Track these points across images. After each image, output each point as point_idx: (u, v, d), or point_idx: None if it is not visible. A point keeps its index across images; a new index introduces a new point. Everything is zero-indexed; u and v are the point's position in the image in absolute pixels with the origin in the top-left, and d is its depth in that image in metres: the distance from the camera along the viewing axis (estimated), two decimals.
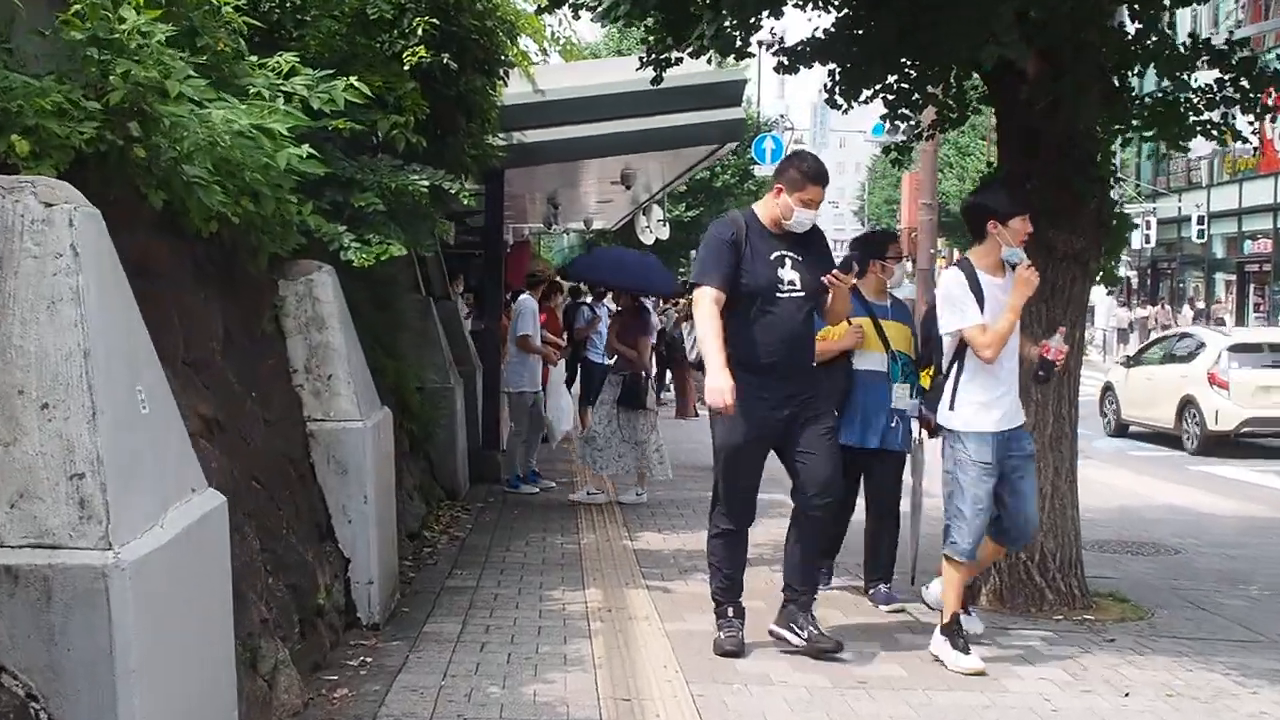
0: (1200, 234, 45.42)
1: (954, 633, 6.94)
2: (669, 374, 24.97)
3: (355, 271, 10.16)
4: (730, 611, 7.09)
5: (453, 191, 8.07)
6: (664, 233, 22.36)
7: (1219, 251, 49.11)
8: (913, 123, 9.55)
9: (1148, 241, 46.92)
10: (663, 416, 21.83)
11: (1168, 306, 48.31)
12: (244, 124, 5.42)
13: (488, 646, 6.87)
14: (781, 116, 43.13)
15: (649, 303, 20.98)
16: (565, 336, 17.66)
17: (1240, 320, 47.16)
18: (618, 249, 17.32)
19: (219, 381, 5.57)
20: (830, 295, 7.00)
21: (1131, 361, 21.93)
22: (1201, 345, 19.80)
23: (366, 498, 6.88)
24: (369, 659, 6.47)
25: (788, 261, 6.93)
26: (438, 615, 7.57)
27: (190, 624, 3.95)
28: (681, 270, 56.41)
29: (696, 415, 21.75)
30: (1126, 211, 9.15)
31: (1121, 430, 21.46)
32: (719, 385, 6.57)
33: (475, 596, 8.12)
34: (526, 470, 13.30)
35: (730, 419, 6.71)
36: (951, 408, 7.00)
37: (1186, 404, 19.14)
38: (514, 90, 12.30)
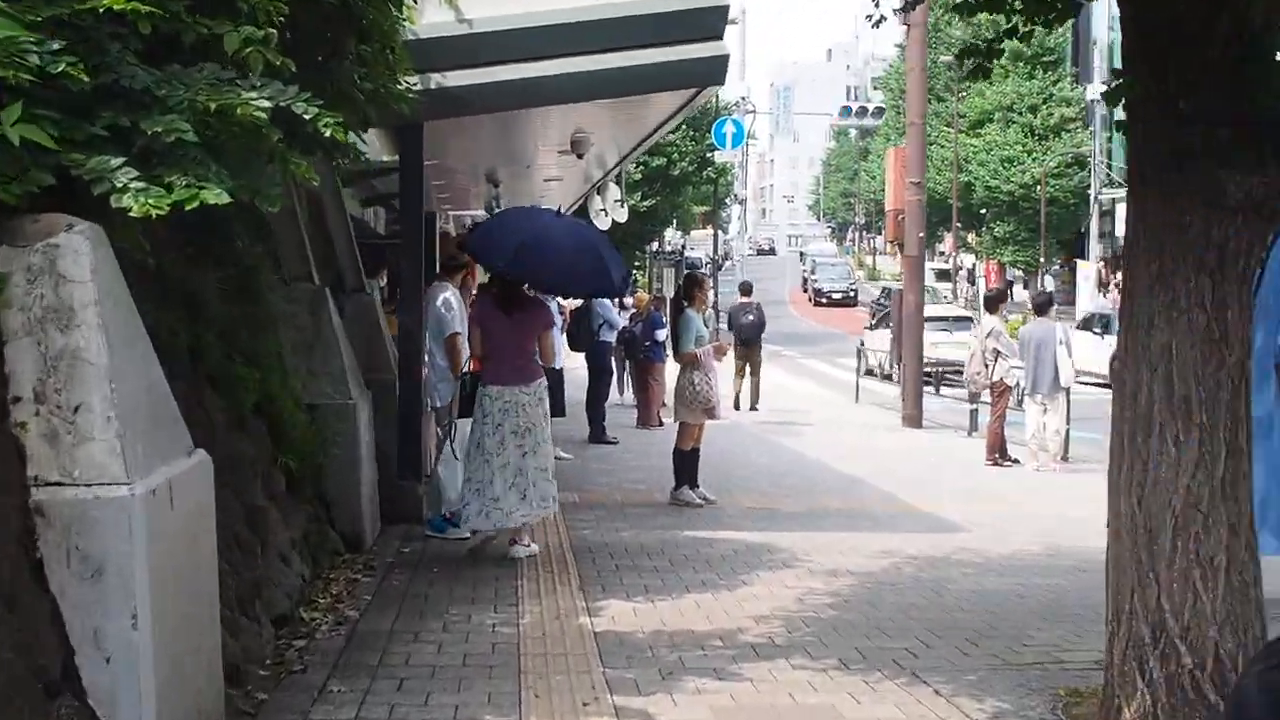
0: None
1: None
2: (628, 375, 22.26)
3: (195, 246, 7.34)
4: None
5: (308, 118, 5.22)
6: (622, 215, 19.53)
7: None
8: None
9: None
10: (623, 425, 19.26)
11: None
12: None
13: None
14: (743, 99, 40.37)
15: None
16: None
17: None
18: (537, 210, 12.46)
19: None
20: None
21: None
22: None
23: (137, 617, 4.02)
24: None
25: None
26: None
27: None
28: (636, 265, 53.69)
29: (661, 424, 19.00)
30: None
31: None
32: None
33: None
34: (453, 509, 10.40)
35: None
36: None
37: None
38: (433, 20, 9.50)
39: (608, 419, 17.69)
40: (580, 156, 13.92)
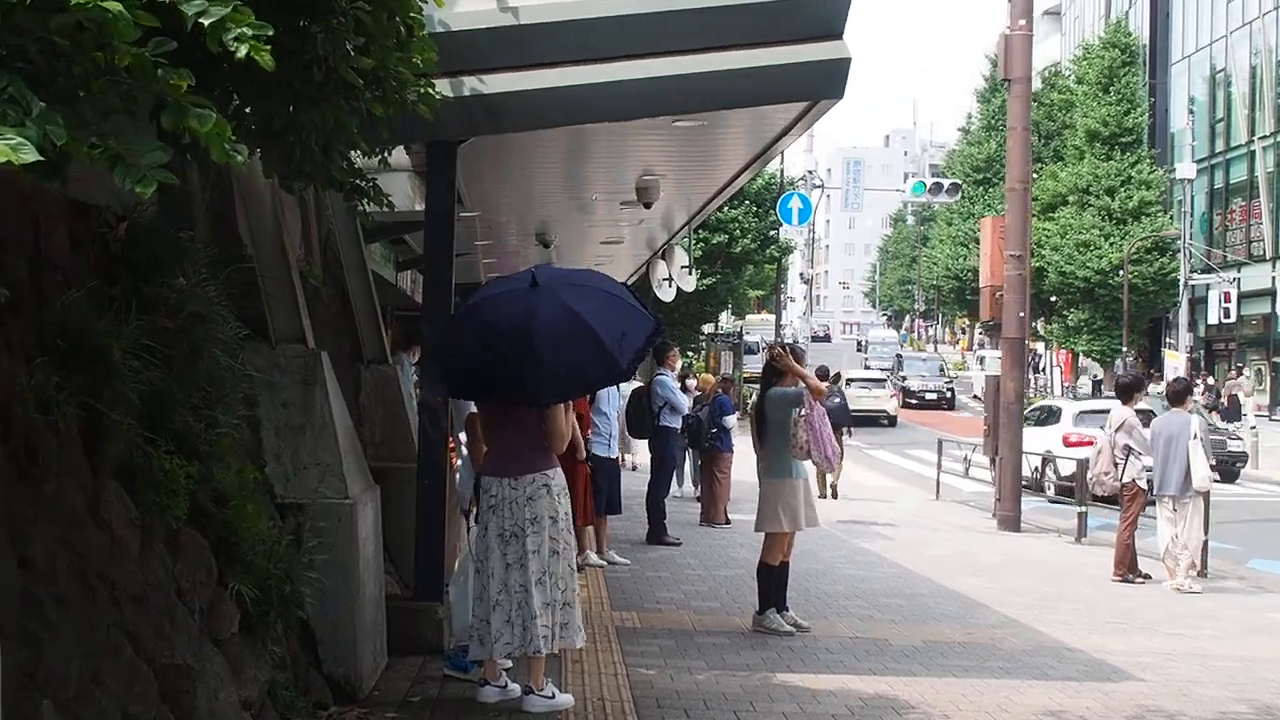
0: None
1: None
2: (689, 464, 19.94)
3: (113, 283, 5.16)
4: None
5: (207, 23, 3.02)
6: (689, 284, 17.07)
7: None
8: None
9: (1227, 316, 41.69)
10: (686, 522, 16.94)
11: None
12: None
13: None
14: (810, 173, 38.08)
15: (668, 378, 15.86)
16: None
17: None
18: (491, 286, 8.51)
19: None
20: None
21: None
22: None
23: None
24: None
25: None
26: None
27: None
28: (692, 347, 51.47)
29: (728, 522, 16.64)
30: None
31: None
32: None
33: None
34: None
35: None
36: None
37: None
38: (467, 8, 7.37)
39: (668, 516, 15.33)
40: (648, 206, 11.69)
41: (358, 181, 8.76)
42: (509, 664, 7.44)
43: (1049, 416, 26.53)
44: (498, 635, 7.01)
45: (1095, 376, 60.13)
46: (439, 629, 8.36)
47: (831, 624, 10.28)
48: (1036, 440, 23.35)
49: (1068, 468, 20.93)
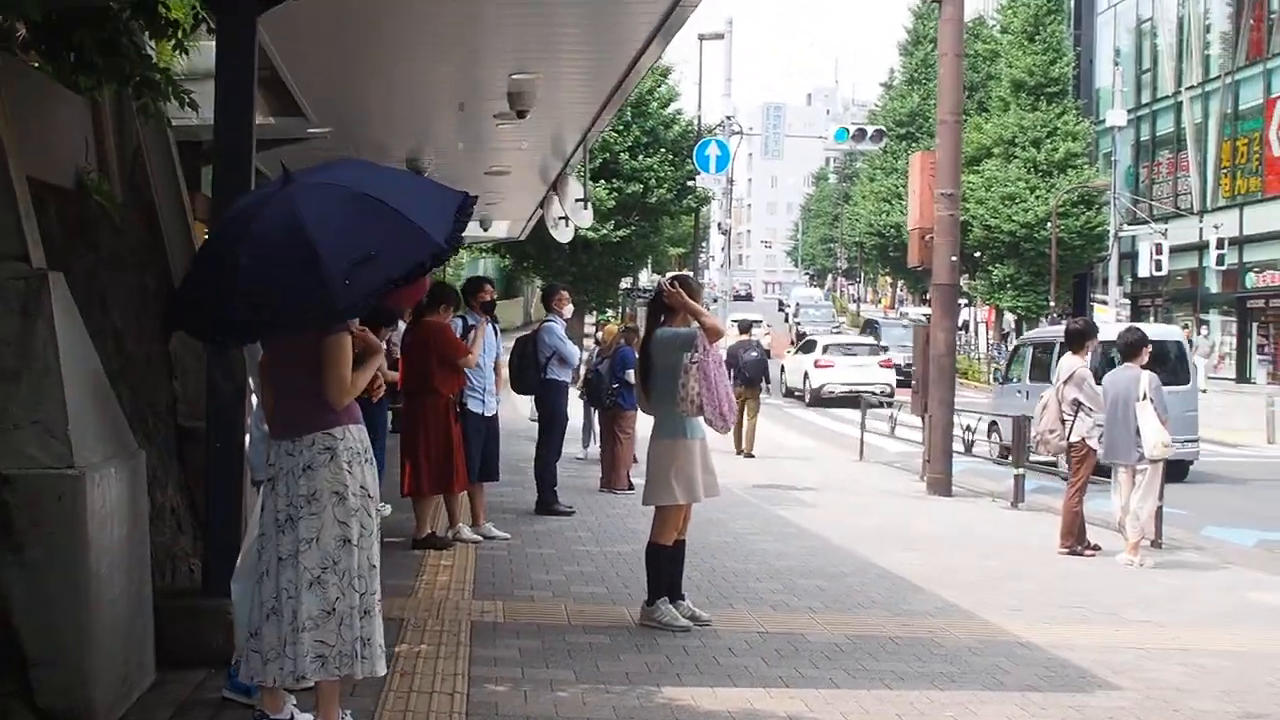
0: (1220, 260, 38.91)
1: None
2: (596, 424, 18.12)
3: None
4: None
5: None
6: (585, 218, 15.13)
7: (1213, 285, 42.76)
8: None
9: (1159, 269, 40.30)
10: (585, 488, 15.25)
11: None
12: None
13: None
14: (729, 118, 36.20)
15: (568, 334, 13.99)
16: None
17: (1242, 367, 40.90)
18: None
19: None
20: None
21: None
22: None
23: None
24: None
25: None
26: None
27: None
28: (609, 301, 49.69)
29: (631, 487, 14.85)
30: None
31: None
32: None
33: None
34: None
35: None
36: None
37: None
38: None
39: (562, 482, 13.47)
40: (522, 115, 9.77)
41: (150, 74, 6.93)
42: (310, 683, 5.57)
43: (811, 347, 37.52)
44: (270, 654, 5.16)
45: (1004, 330, 58.96)
46: (225, 630, 6.49)
47: (738, 614, 8.53)
48: (801, 363, 37.01)
49: (817, 380, 34.91)
